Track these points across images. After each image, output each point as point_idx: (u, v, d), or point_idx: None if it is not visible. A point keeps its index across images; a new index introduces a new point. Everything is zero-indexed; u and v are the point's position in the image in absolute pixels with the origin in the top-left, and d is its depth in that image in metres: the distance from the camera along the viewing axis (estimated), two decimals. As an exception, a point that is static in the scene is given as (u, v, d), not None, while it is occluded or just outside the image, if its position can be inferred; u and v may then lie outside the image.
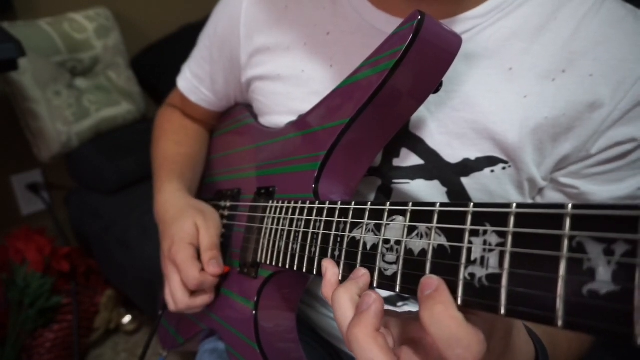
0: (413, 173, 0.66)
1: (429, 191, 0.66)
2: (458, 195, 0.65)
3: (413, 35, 0.52)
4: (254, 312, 0.68)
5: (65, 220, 1.96)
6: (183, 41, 0.99)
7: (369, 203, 0.49)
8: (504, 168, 0.62)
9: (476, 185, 0.64)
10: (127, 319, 1.91)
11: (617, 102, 0.56)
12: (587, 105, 0.57)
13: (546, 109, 0.59)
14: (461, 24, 0.62)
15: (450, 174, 0.64)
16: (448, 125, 0.63)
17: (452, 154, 0.63)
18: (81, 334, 1.74)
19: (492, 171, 0.62)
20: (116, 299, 1.88)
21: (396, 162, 0.67)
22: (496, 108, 0.60)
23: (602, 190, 0.62)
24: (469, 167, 0.63)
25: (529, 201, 0.66)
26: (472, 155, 0.63)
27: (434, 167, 0.65)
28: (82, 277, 1.79)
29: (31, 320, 1.59)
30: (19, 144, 1.78)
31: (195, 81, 0.95)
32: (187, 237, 0.75)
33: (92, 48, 1.78)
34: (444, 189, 0.65)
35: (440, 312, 0.35)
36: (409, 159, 0.66)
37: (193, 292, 0.75)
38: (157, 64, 1.97)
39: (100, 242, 1.71)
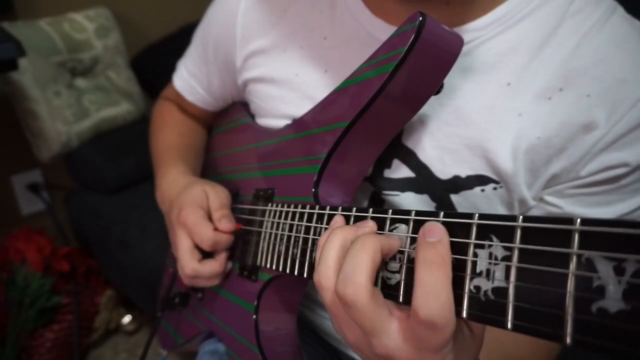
0: (403, 185, 0.65)
1: (419, 205, 0.65)
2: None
3: (415, 36, 0.51)
4: (254, 316, 0.67)
5: (65, 220, 1.96)
6: (183, 41, 0.98)
7: (371, 210, 0.49)
8: (495, 188, 0.61)
9: (465, 203, 0.63)
10: (127, 319, 1.91)
11: (612, 125, 0.54)
12: (581, 126, 0.56)
13: (539, 129, 0.57)
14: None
15: (440, 190, 0.63)
16: (440, 139, 0.62)
17: (443, 169, 0.62)
18: (81, 334, 1.74)
19: (483, 190, 0.61)
20: (116, 299, 1.88)
21: (387, 173, 0.66)
22: (490, 125, 0.59)
23: (587, 213, 0.60)
24: (459, 184, 0.62)
25: None
26: (463, 173, 0.61)
27: (424, 181, 0.64)
28: (82, 277, 1.78)
29: (31, 320, 1.58)
30: (19, 144, 1.78)
31: (192, 81, 0.94)
32: (197, 201, 0.73)
33: (92, 48, 1.77)
34: (433, 204, 0.65)
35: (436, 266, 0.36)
36: (400, 170, 0.65)
37: (202, 259, 0.73)
38: (157, 64, 1.96)
39: (100, 242, 1.71)
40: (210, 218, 0.73)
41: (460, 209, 0.63)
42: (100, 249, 1.74)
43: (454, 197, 0.63)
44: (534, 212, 0.64)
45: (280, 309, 0.71)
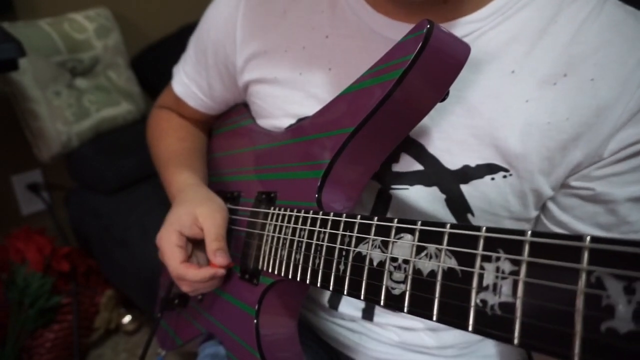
0: (412, 179, 0.65)
1: (428, 197, 0.65)
2: (457, 202, 0.64)
3: (422, 44, 0.51)
4: (255, 320, 0.68)
5: (65, 220, 1.95)
6: (183, 41, 0.98)
7: (376, 218, 0.49)
8: (504, 176, 0.61)
9: (475, 193, 0.63)
10: (127, 319, 1.91)
11: (624, 105, 0.55)
12: (591, 110, 0.56)
13: (547, 114, 0.58)
14: (461, 27, 0.61)
15: (450, 181, 0.63)
16: (448, 130, 0.62)
17: (452, 160, 0.63)
18: (81, 334, 1.74)
19: (492, 179, 0.62)
20: (116, 299, 1.88)
21: (395, 168, 0.66)
22: (497, 114, 0.60)
23: (619, 192, 0.60)
24: (469, 174, 0.62)
25: (533, 213, 0.65)
26: (472, 162, 0.62)
27: (433, 173, 0.64)
28: (82, 277, 1.78)
29: (31, 320, 1.58)
30: (19, 144, 1.77)
31: (192, 86, 0.94)
32: (176, 223, 0.74)
33: (92, 48, 1.77)
34: (443, 196, 0.65)
35: None
36: (409, 164, 0.65)
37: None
38: (157, 64, 1.95)
39: (100, 242, 1.71)
40: (190, 242, 0.76)
41: (471, 199, 0.63)
42: (100, 249, 1.74)
43: (464, 188, 0.63)
44: (563, 201, 0.64)
45: (282, 314, 0.71)
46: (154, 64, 1.97)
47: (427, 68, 0.53)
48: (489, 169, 0.61)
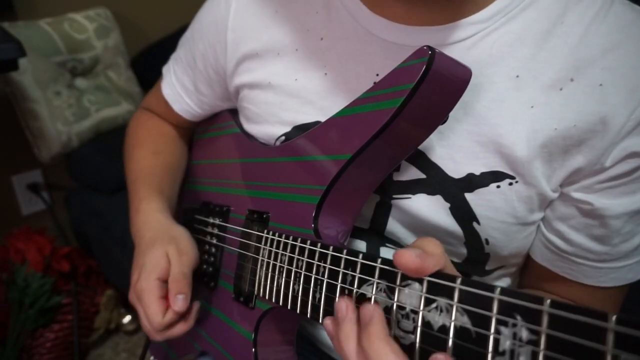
0: (414, 187, 0.63)
1: (432, 206, 0.63)
2: (462, 211, 0.62)
3: (423, 72, 0.49)
4: (253, 349, 0.66)
5: (65, 220, 1.96)
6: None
7: (379, 260, 0.46)
8: (510, 183, 0.59)
9: (481, 202, 0.61)
10: (127, 319, 1.91)
11: (630, 112, 0.53)
12: (598, 116, 0.54)
13: (554, 120, 0.56)
14: (463, 29, 0.59)
15: (454, 189, 0.61)
16: (450, 137, 0.60)
17: (455, 168, 0.61)
18: (81, 334, 1.75)
19: (498, 187, 0.60)
20: (116, 299, 1.88)
21: (396, 176, 0.64)
22: (502, 120, 0.58)
23: (615, 203, 0.58)
24: (474, 182, 0.60)
25: (539, 215, 0.64)
26: (477, 170, 0.60)
27: (436, 181, 0.62)
28: (82, 277, 1.79)
29: (31, 320, 1.59)
30: (19, 144, 1.77)
31: (180, 90, 0.90)
32: (155, 270, 0.70)
33: (92, 48, 1.76)
34: (447, 205, 0.63)
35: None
36: (409, 172, 0.63)
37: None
38: (157, 64, 1.93)
39: (100, 242, 1.71)
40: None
41: (477, 208, 0.61)
42: (100, 249, 1.75)
43: (469, 196, 0.61)
44: (561, 210, 0.62)
45: (279, 340, 0.70)
46: (154, 64, 1.94)
47: (428, 95, 0.52)
48: (494, 176, 0.59)
